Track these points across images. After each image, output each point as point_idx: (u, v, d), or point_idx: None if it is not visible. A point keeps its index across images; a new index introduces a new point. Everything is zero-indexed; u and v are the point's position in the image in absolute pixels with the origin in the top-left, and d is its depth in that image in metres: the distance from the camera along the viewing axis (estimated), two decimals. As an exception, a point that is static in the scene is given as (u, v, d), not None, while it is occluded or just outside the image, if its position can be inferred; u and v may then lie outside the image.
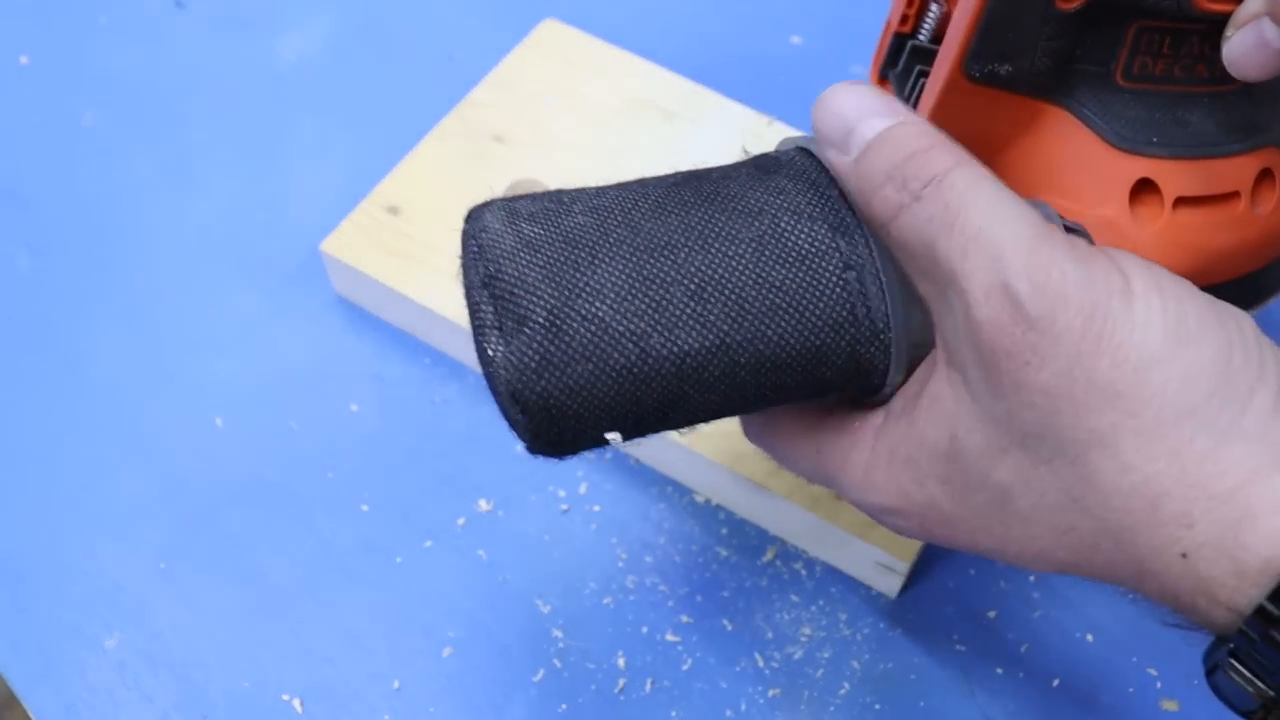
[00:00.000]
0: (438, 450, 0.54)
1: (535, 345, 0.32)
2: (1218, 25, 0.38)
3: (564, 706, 0.47)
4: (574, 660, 0.48)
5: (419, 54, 0.68)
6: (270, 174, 0.63)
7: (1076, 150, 0.40)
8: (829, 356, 0.34)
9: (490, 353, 0.32)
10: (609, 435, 0.33)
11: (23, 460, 0.54)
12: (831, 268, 0.33)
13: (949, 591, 0.50)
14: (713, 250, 0.33)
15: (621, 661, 0.48)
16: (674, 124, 0.60)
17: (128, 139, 0.64)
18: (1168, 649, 0.48)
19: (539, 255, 0.32)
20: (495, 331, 0.32)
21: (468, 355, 0.55)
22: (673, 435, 0.50)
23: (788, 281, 0.33)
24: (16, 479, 0.53)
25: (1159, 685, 0.48)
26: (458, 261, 0.55)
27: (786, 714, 0.47)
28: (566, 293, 0.32)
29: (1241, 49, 0.36)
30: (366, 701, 0.47)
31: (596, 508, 0.52)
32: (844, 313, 0.33)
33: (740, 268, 0.33)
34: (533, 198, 0.35)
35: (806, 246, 0.33)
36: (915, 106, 0.42)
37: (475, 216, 0.35)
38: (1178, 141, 0.40)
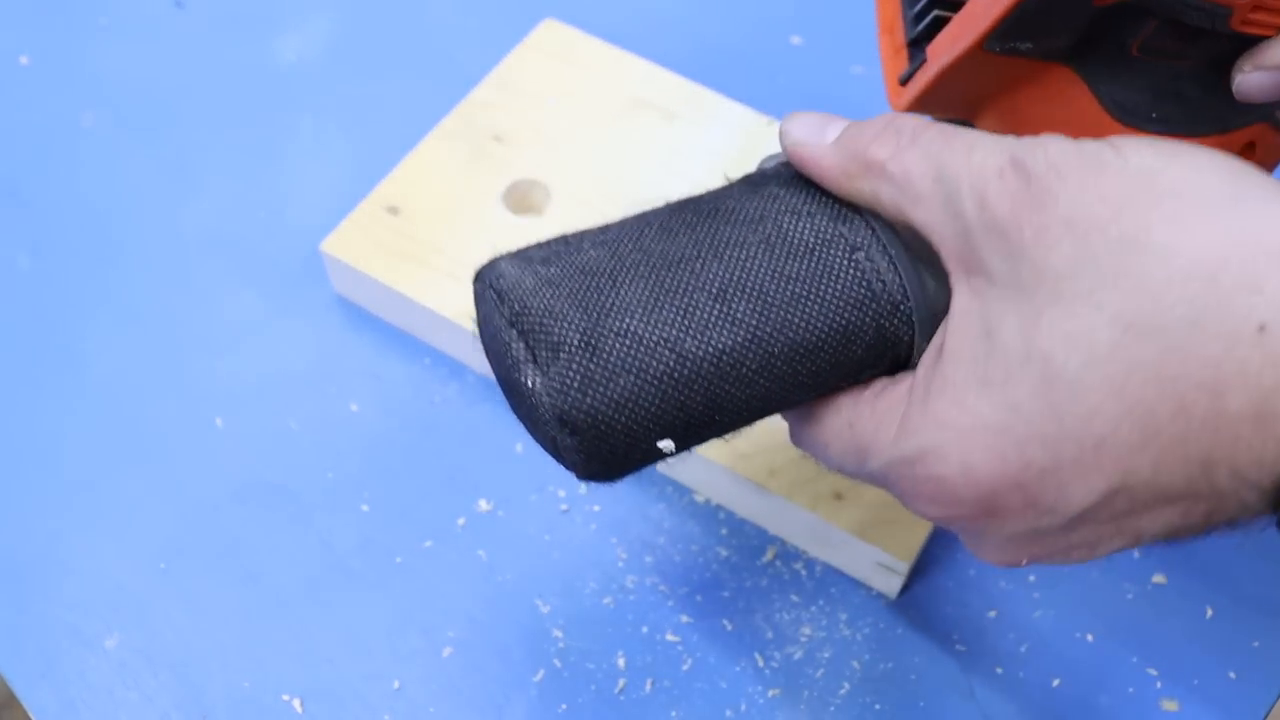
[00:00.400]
0: (438, 450, 0.54)
1: (575, 366, 0.32)
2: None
3: (564, 706, 0.47)
4: (574, 660, 0.48)
5: (419, 54, 0.68)
6: (270, 174, 0.63)
7: (1077, 114, 0.41)
8: (856, 334, 0.35)
9: (529, 384, 0.33)
10: (661, 445, 0.34)
11: (23, 460, 0.54)
12: (840, 252, 0.35)
13: (949, 591, 0.50)
14: (725, 257, 0.34)
15: (621, 661, 0.48)
16: (674, 124, 0.60)
17: (127, 139, 0.64)
18: (1168, 649, 0.48)
19: (561, 288, 0.33)
20: (530, 365, 0.33)
21: (468, 355, 0.55)
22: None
23: (802, 272, 0.34)
24: (16, 479, 0.53)
25: (1159, 685, 0.48)
26: (457, 260, 0.55)
27: (786, 714, 0.47)
28: (596, 314, 0.33)
29: (1257, 86, 0.37)
30: (366, 701, 0.47)
31: (596, 508, 0.52)
32: (862, 290, 0.34)
33: (755, 268, 0.34)
34: (539, 245, 0.36)
35: (812, 239, 0.35)
36: (918, 33, 0.42)
37: (486, 268, 0.36)
38: (1175, 118, 0.40)
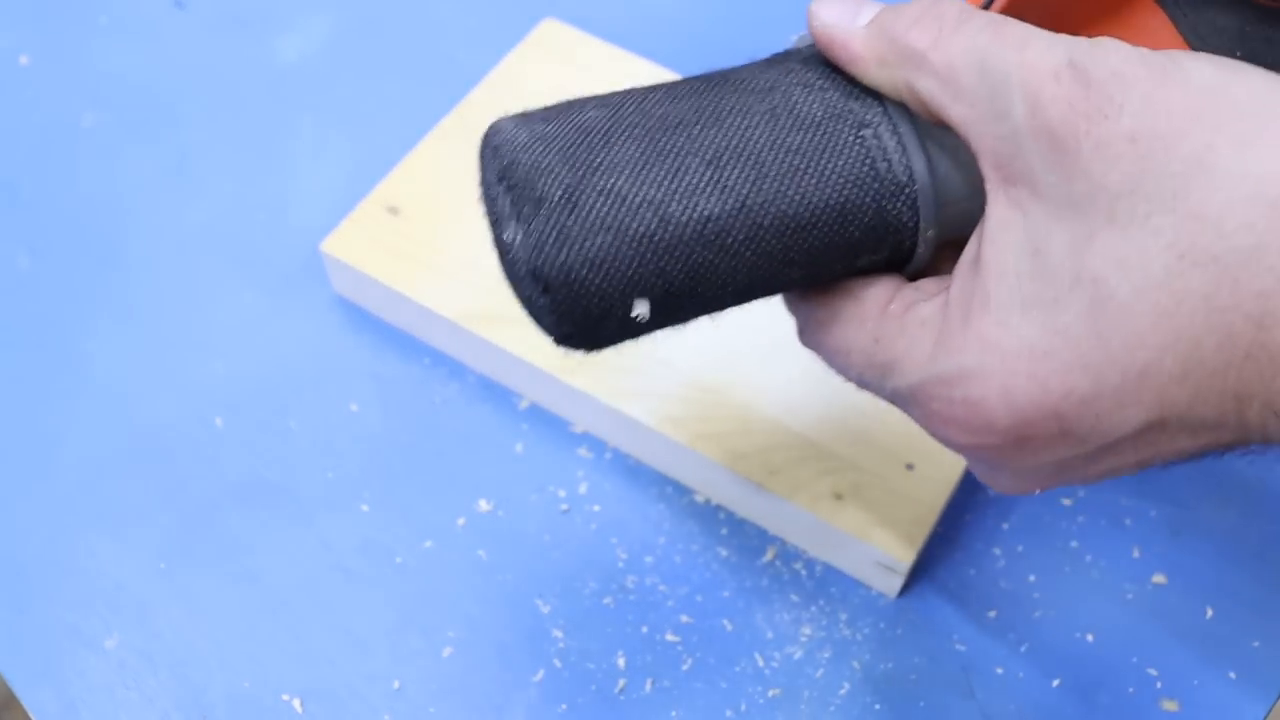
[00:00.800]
0: (438, 450, 0.54)
1: (552, 221, 0.31)
2: None
3: (564, 706, 0.47)
4: (574, 660, 0.48)
5: (419, 54, 0.68)
6: (270, 174, 0.63)
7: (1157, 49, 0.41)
8: (854, 214, 0.33)
9: (507, 239, 0.32)
10: (637, 308, 0.32)
11: (23, 460, 0.54)
12: (846, 128, 0.33)
13: (949, 591, 0.50)
14: (726, 124, 0.33)
15: (621, 661, 0.48)
16: (674, 124, 0.60)
17: (128, 139, 0.64)
18: (1168, 649, 0.48)
19: (554, 144, 0.33)
20: (513, 221, 0.32)
21: (468, 355, 0.55)
22: (673, 434, 0.50)
23: (804, 145, 0.33)
24: (16, 479, 0.53)
25: (1159, 685, 0.48)
26: (457, 260, 0.55)
27: (786, 714, 0.47)
28: (583, 170, 0.32)
29: None
30: (366, 701, 0.47)
31: (596, 508, 0.52)
32: (864, 168, 0.33)
33: (755, 137, 0.33)
34: (547, 106, 0.35)
35: (820, 112, 0.33)
36: None
37: (490, 127, 0.35)
38: (1260, 59, 0.40)
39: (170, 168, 0.63)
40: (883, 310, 0.34)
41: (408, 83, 0.66)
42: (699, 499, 0.52)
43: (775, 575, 0.50)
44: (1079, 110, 0.29)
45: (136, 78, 0.67)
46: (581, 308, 0.32)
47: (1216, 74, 0.29)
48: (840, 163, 0.33)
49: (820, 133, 0.33)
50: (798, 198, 0.33)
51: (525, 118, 0.34)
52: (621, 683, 0.48)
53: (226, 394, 0.55)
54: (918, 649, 0.48)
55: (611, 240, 0.32)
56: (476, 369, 0.56)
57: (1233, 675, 0.48)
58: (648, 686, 0.48)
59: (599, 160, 0.32)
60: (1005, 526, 0.51)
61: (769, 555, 0.51)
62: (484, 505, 0.52)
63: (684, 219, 0.32)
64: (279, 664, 0.48)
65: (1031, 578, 0.50)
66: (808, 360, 0.52)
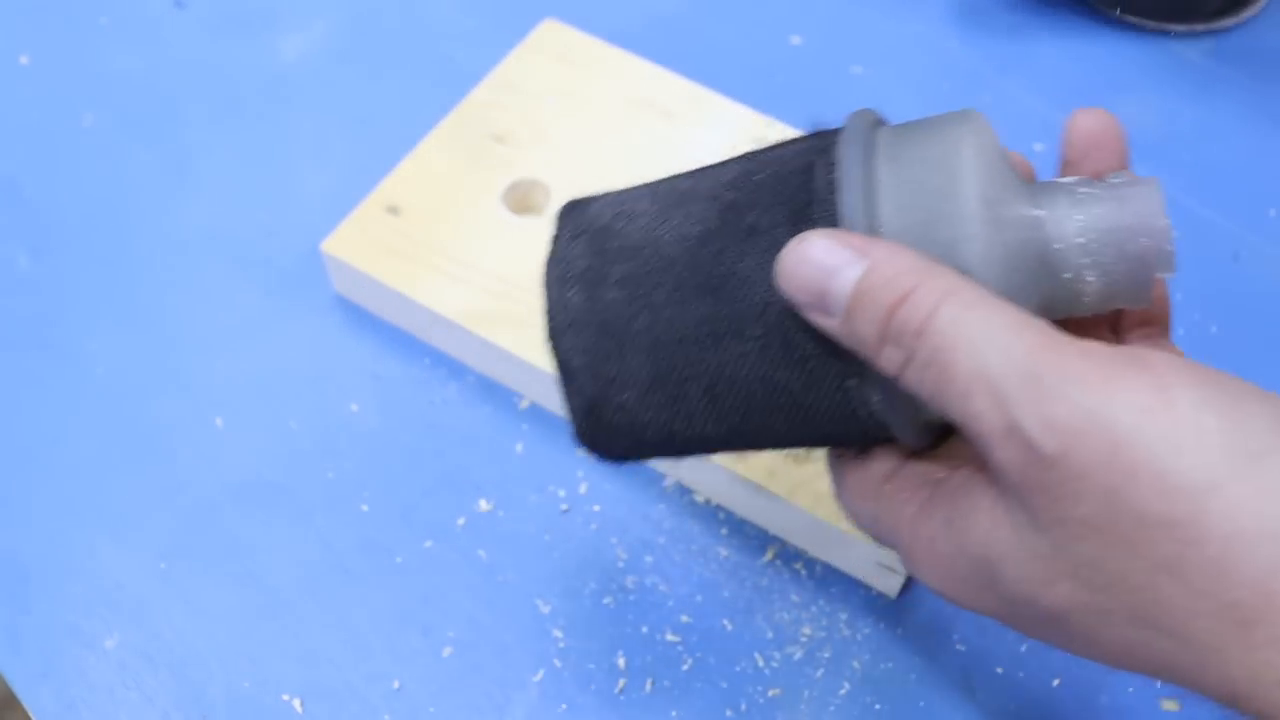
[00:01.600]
0: (438, 450, 0.54)
1: (584, 425, 0.39)
2: None
3: (564, 706, 0.47)
4: (574, 660, 0.48)
5: (419, 54, 0.68)
6: (270, 174, 0.63)
7: None
8: (837, 438, 0.37)
9: (563, 395, 0.39)
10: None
11: (23, 460, 0.54)
12: (832, 374, 0.35)
13: (949, 591, 0.50)
14: (723, 347, 0.35)
15: (621, 661, 0.48)
16: (674, 124, 0.60)
17: (128, 139, 0.64)
18: (1168, 649, 0.48)
19: (580, 339, 0.37)
20: (564, 386, 0.38)
21: (468, 355, 0.55)
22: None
23: (791, 383, 0.35)
24: (16, 479, 0.53)
25: (1159, 685, 0.48)
26: (457, 260, 0.55)
27: (786, 714, 0.47)
28: (602, 383, 0.37)
29: None
30: (366, 701, 0.47)
31: (596, 508, 0.52)
32: (846, 413, 0.35)
33: (747, 369, 0.35)
34: (590, 237, 0.38)
35: (810, 348, 0.34)
36: None
37: (556, 239, 0.39)
38: None
39: (170, 168, 0.63)
40: (878, 489, 0.36)
41: (408, 83, 0.66)
42: (699, 499, 0.52)
43: (775, 575, 0.50)
44: (1031, 483, 0.28)
45: (136, 78, 0.67)
46: (616, 460, 0.40)
47: (1220, 468, 0.26)
48: (824, 404, 0.35)
49: (806, 372, 0.35)
50: (783, 430, 0.36)
51: (565, 272, 0.38)
52: (621, 683, 0.48)
53: (226, 394, 0.55)
54: (918, 649, 0.48)
55: (630, 443, 0.39)
56: (476, 369, 0.56)
57: (1233, 675, 0.48)
58: (648, 686, 0.48)
59: (614, 372, 0.37)
60: (1005, 526, 0.51)
61: (769, 555, 0.51)
62: (484, 505, 0.52)
63: (686, 434, 0.37)
64: (279, 664, 0.48)
65: (1031, 578, 0.50)
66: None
